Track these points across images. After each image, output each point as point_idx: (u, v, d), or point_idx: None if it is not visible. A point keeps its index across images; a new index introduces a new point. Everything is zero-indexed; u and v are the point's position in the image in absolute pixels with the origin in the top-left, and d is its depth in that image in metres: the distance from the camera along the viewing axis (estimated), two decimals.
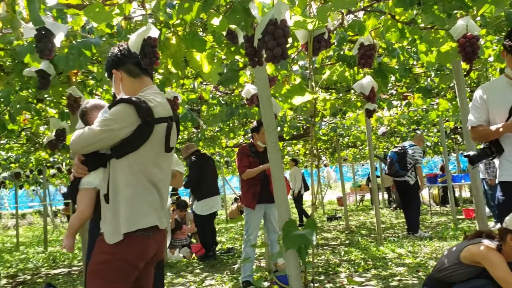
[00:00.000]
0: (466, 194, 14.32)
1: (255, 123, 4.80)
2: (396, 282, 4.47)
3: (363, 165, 23.39)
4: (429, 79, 4.90)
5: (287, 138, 7.75)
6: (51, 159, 9.72)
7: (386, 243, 6.70)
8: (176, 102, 3.83)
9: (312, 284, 2.36)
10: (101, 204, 2.09)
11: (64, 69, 2.95)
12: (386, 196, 15.42)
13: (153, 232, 2.05)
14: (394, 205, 13.51)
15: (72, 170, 2.30)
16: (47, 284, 3.81)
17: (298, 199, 11.05)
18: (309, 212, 12.68)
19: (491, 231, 2.89)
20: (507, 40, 2.82)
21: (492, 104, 2.97)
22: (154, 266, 2.25)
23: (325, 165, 16.37)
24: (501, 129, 2.86)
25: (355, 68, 3.86)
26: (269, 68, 3.01)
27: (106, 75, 2.32)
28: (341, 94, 5.51)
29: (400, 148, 7.61)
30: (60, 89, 3.88)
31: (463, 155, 3.39)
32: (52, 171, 11.48)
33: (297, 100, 2.25)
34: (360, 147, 13.16)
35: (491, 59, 3.78)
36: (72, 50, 2.88)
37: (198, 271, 6.03)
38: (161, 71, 3.34)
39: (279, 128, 7.11)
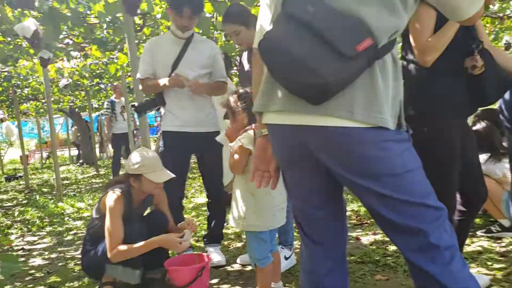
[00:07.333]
0: None
1: None
2: (71, 236, 4.41)
3: None
4: (105, 31, 4.86)
5: None
6: None
7: (66, 199, 6.53)
8: None
9: None
10: None
11: None
12: (76, 152, 14.99)
13: None
14: (81, 161, 13.31)
15: None
16: None
17: None
18: None
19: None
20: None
21: (157, 59, 3.17)
22: None
23: (2, 120, 14.57)
24: (162, 84, 3.09)
25: (20, 9, 3.48)
26: None
27: None
28: (9, 38, 4.92)
29: None
30: None
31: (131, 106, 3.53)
32: None
33: None
34: (44, 100, 12.25)
35: (159, 16, 4.01)
36: None
37: None
38: None
39: None
